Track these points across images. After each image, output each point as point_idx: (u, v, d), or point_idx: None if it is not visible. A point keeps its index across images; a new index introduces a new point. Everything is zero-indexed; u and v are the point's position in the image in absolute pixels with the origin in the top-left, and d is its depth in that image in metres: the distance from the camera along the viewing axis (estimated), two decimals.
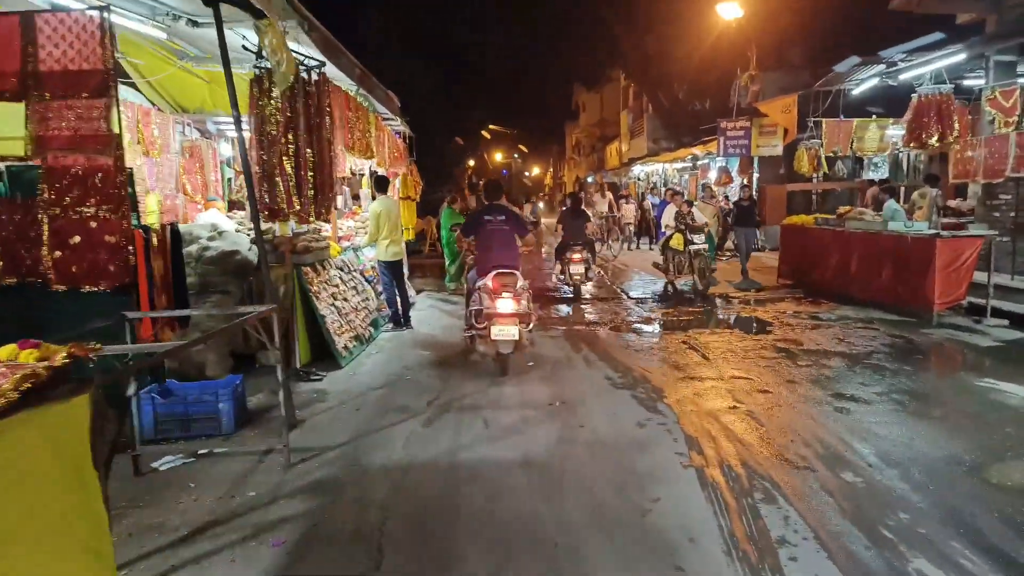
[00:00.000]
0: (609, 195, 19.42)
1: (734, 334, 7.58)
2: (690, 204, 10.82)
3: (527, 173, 71.95)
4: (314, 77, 4.96)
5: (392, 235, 8.02)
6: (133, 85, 8.02)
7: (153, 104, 8.28)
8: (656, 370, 6.13)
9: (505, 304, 5.82)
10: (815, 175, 11.92)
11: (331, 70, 6.32)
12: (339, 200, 12.06)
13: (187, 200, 8.57)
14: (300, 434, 4.60)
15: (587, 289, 10.72)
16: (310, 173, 4.88)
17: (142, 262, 4.73)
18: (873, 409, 4.93)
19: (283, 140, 4.65)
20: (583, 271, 10.19)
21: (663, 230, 10.83)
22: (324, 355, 6.49)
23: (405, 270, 9.92)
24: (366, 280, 8.22)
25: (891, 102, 11.12)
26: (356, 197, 11.88)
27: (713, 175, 19.28)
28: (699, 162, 20.62)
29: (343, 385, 5.82)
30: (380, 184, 8.25)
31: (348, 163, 11.36)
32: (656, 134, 28.72)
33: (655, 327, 8.18)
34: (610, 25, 26.10)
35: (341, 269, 7.43)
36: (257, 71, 4.57)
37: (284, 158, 4.68)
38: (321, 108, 4.99)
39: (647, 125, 30.31)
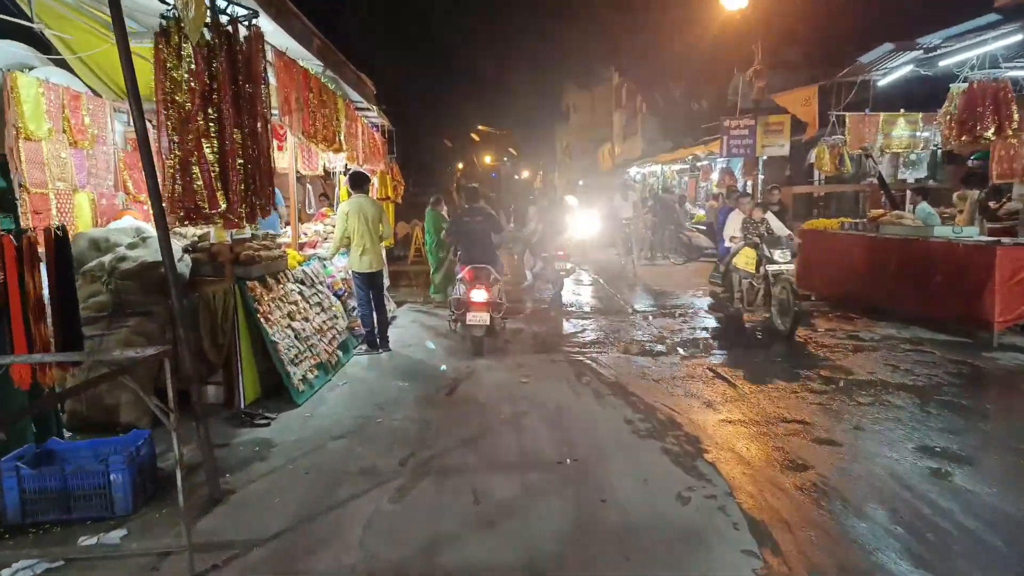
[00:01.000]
0: (632, 195, 17.60)
1: (764, 358, 6.45)
2: (763, 208, 8.15)
3: (516, 176, 70.86)
4: (243, 33, 3.74)
5: (366, 242, 6.73)
6: (64, 64, 6.78)
7: (89, 88, 7.04)
8: (683, 407, 4.97)
9: (478, 294, 6.72)
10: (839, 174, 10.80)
11: (279, 37, 5.12)
12: (305, 201, 10.87)
13: (129, 199, 7.32)
14: (222, 516, 3.38)
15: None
16: (239, 160, 3.66)
17: (14, 277, 3.51)
18: (981, 472, 3.79)
19: (200, 116, 3.43)
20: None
21: (726, 243, 8.34)
22: (277, 388, 5.28)
23: (385, 282, 8.73)
24: (335, 294, 7.00)
25: (914, 97, 10.09)
26: (324, 195, 10.65)
27: (715, 176, 18.20)
28: (700, 163, 19.53)
29: (295, 432, 4.60)
30: (356, 181, 6.98)
31: (321, 159, 10.21)
32: (651, 135, 27.72)
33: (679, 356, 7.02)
34: (605, 22, 25.12)
35: (302, 283, 6.21)
36: (163, 21, 3.36)
37: (203, 140, 3.46)
38: (254, 74, 3.78)
39: (641, 125, 29.33)
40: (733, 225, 8.20)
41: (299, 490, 3.66)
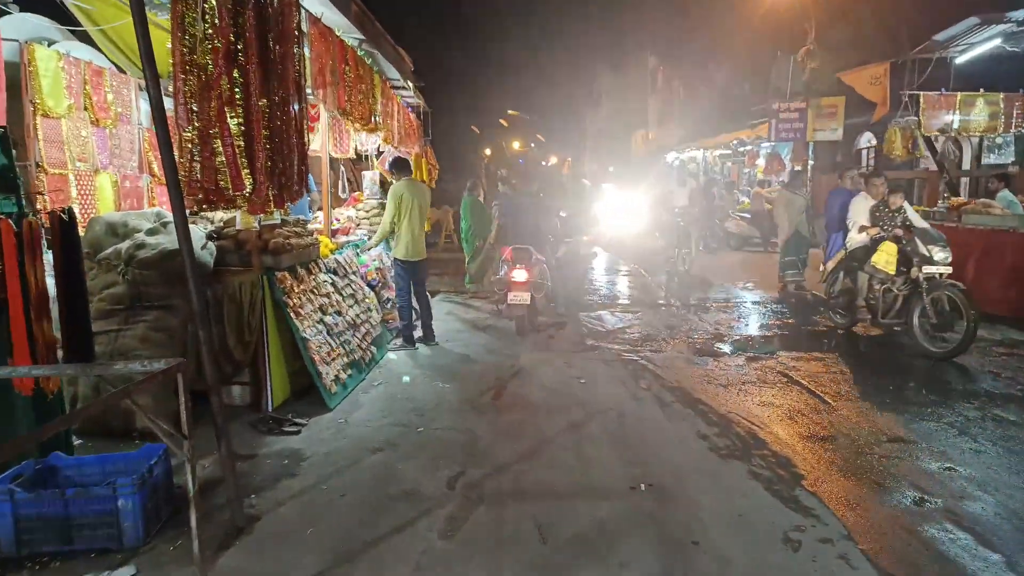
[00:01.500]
0: (692, 181, 16.41)
1: (844, 360, 5.80)
2: (902, 195, 6.50)
3: (543, 163, 69.96)
4: None
5: (415, 228, 6.29)
6: (86, 38, 6.36)
7: (113, 63, 6.62)
8: (762, 419, 4.37)
9: (519, 274, 6.85)
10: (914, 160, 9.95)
11: (313, 1, 4.60)
12: (338, 184, 10.39)
13: (155, 182, 6.91)
14: (246, 550, 2.89)
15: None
16: (265, 133, 3.14)
17: (13, 268, 3.06)
18: None
19: (224, 81, 2.91)
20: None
21: (853, 233, 6.73)
22: (308, 389, 4.80)
23: None
24: (369, 285, 6.51)
25: (999, 76, 9.21)
26: (349, 181, 10.16)
27: (761, 162, 17.33)
28: (745, 148, 18.64)
29: (328, 443, 4.11)
30: (400, 166, 6.43)
31: (353, 140, 9.70)
32: (690, 120, 26.80)
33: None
34: (641, 5, 24.18)
35: (335, 272, 5.72)
36: None
37: (227, 109, 2.95)
38: (286, 32, 3.24)
39: (679, 110, 28.40)
40: (861, 212, 6.63)
41: (335, 517, 3.16)
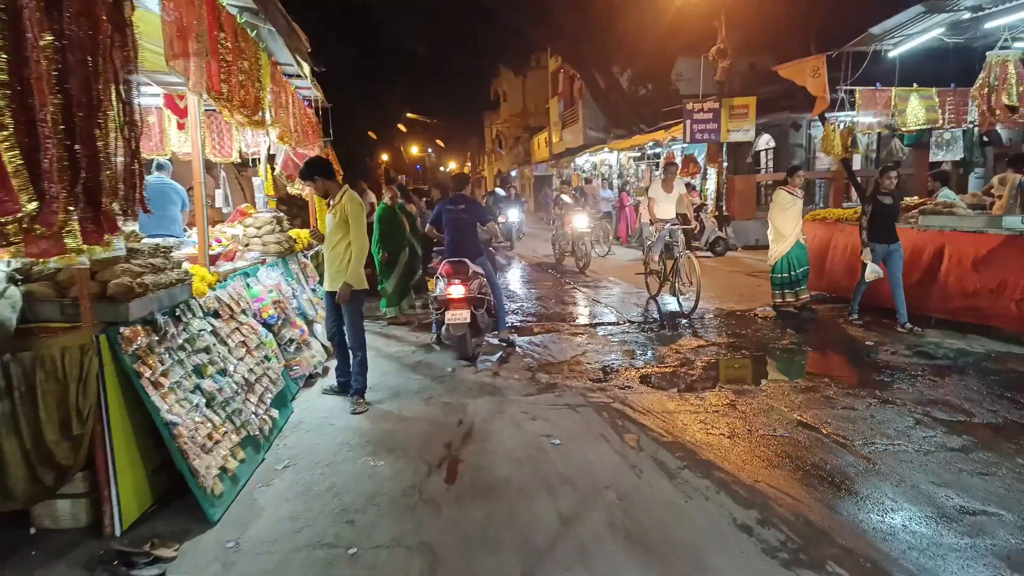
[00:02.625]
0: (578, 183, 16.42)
1: (861, 391, 5.01)
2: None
3: (443, 168, 68.67)
4: None
5: (327, 246, 5.06)
6: None
7: None
8: (804, 492, 3.40)
9: (455, 290, 6.09)
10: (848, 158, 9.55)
11: None
12: (219, 195, 8.67)
13: None
14: None
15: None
16: (57, 126, 1.75)
17: None
18: None
19: None
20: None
21: None
22: (181, 488, 3.33)
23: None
24: (265, 324, 5.03)
25: (946, 72, 8.99)
26: (242, 189, 8.51)
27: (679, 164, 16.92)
28: (658, 150, 18.27)
29: None
30: (321, 170, 4.95)
31: (236, 140, 8.03)
32: (594, 122, 26.42)
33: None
34: (542, 2, 23.50)
35: (216, 315, 4.23)
36: None
37: None
38: None
39: (584, 113, 27.99)
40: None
41: None
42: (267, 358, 4.72)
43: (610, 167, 21.56)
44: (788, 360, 6.15)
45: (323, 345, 6.16)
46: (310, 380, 5.57)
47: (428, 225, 6.90)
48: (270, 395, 4.51)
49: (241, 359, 4.30)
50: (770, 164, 19.31)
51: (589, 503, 3.36)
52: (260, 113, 4.92)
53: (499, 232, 7.20)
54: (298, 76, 6.94)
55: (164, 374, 3.34)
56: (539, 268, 13.37)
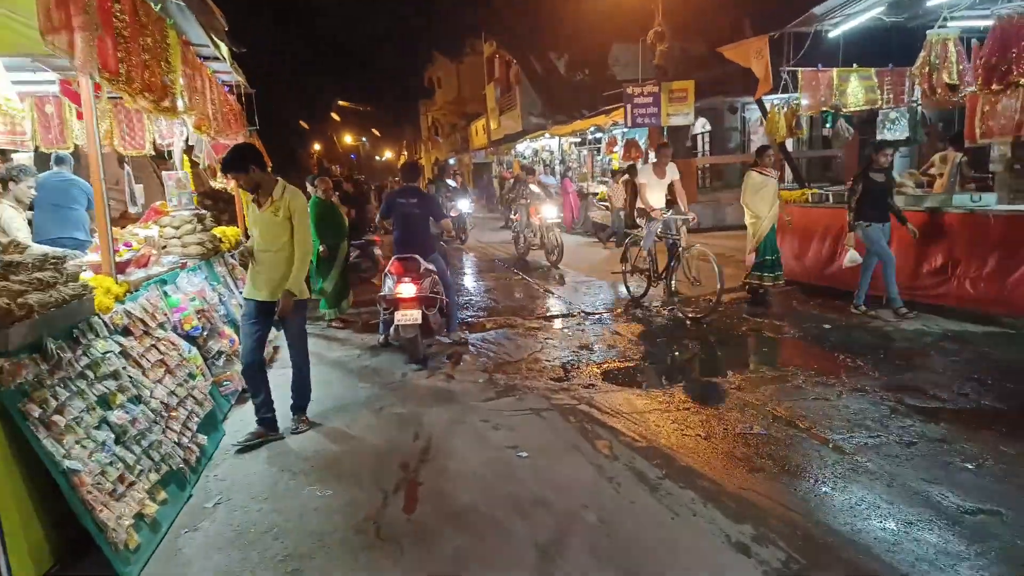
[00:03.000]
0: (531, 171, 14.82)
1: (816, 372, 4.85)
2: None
3: (378, 157, 67.14)
4: None
5: (256, 247, 4.29)
6: None
7: None
8: (801, 502, 3.16)
9: (405, 288, 5.67)
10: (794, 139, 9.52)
11: None
12: (129, 192, 7.87)
13: None
14: None
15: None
16: None
17: None
18: None
19: None
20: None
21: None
22: (88, 542, 2.79)
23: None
24: (188, 337, 4.45)
25: (891, 50, 9.04)
26: (163, 185, 7.74)
27: (619, 150, 16.85)
28: (599, 135, 18.10)
29: None
30: (256, 158, 4.17)
31: (150, 132, 7.25)
32: (532, 108, 26.08)
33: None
34: None
35: (127, 333, 3.66)
36: None
37: None
38: None
39: (521, 98, 27.58)
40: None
41: None
42: (191, 376, 4.17)
43: (551, 153, 21.29)
44: (759, 349, 5.99)
45: None
46: (243, 396, 5.01)
47: (378, 218, 6.42)
48: (196, 419, 3.97)
49: (159, 381, 3.74)
50: (707, 147, 19.54)
51: (567, 528, 3.01)
52: (170, 99, 4.30)
53: (452, 227, 6.74)
54: (216, 59, 6.26)
55: (59, 410, 2.79)
56: (501, 266, 11.92)
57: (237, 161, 4.04)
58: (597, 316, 7.34)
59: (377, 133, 62.75)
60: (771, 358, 5.63)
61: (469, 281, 10.46)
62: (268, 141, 10.23)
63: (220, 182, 7.95)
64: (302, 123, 51.89)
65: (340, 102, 48.58)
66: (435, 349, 6.25)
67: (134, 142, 7.11)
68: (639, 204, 7.52)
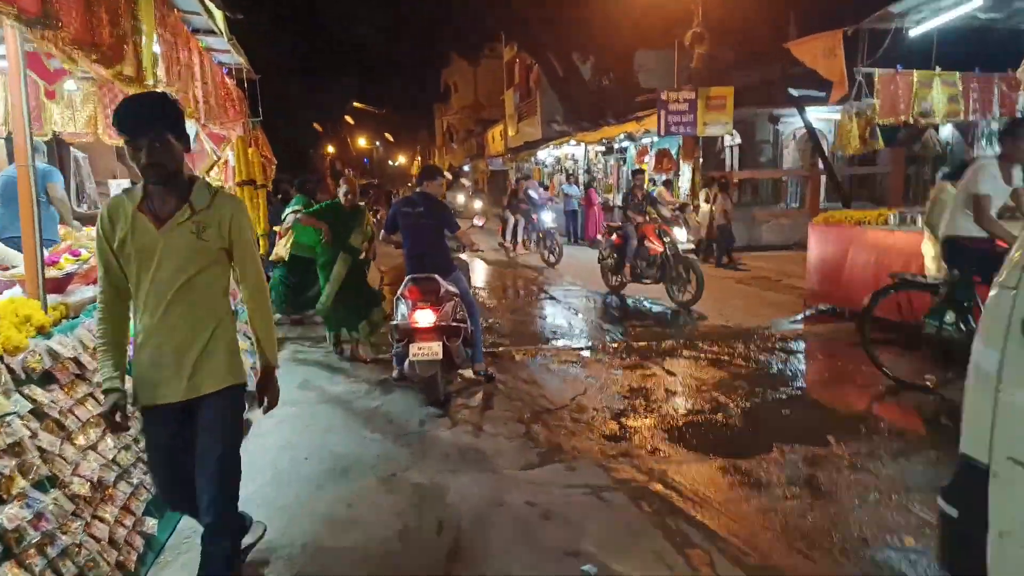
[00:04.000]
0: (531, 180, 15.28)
1: None
2: None
3: (391, 162, 66.49)
4: None
5: (152, 312, 2.28)
6: None
7: None
8: None
9: (423, 316, 4.62)
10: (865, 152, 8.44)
11: None
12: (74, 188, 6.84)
13: None
14: None
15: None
16: None
17: None
18: None
19: None
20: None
21: None
22: None
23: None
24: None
25: (952, 54, 7.99)
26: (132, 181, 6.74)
27: (650, 160, 15.82)
28: (626, 143, 17.08)
29: None
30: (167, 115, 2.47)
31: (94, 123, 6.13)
32: (552, 115, 25.11)
33: None
34: None
35: (46, 381, 2.62)
36: None
37: None
38: None
39: (541, 104, 26.63)
40: None
41: None
42: (138, 437, 3.13)
43: (576, 161, 20.26)
44: (854, 403, 4.90)
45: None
46: None
47: (383, 232, 5.35)
48: (145, 494, 2.93)
49: (92, 447, 2.71)
50: (735, 163, 18.27)
51: None
52: (133, 64, 3.29)
53: (473, 240, 5.63)
54: (211, 32, 5.28)
55: None
56: (528, 283, 11.65)
57: (145, 116, 2.12)
58: (644, 349, 6.27)
59: (391, 138, 62.09)
60: (875, 416, 4.53)
61: (496, 300, 9.42)
62: (276, 138, 9.29)
63: (215, 178, 6.95)
64: (316, 125, 51.21)
65: (355, 104, 47.85)
66: (456, 385, 5.21)
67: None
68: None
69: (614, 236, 8.88)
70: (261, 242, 6.41)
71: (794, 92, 13.91)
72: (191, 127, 5.67)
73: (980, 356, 1.80)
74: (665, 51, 18.68)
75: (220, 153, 5.85)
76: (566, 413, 4.63)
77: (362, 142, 59.43)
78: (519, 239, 14.31)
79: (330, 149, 55.33)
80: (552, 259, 12.53)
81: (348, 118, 54.52)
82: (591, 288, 9.69)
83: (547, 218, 13.04)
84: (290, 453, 3.93)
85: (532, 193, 14.98)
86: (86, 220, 5.54)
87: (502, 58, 32.52)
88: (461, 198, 23.78)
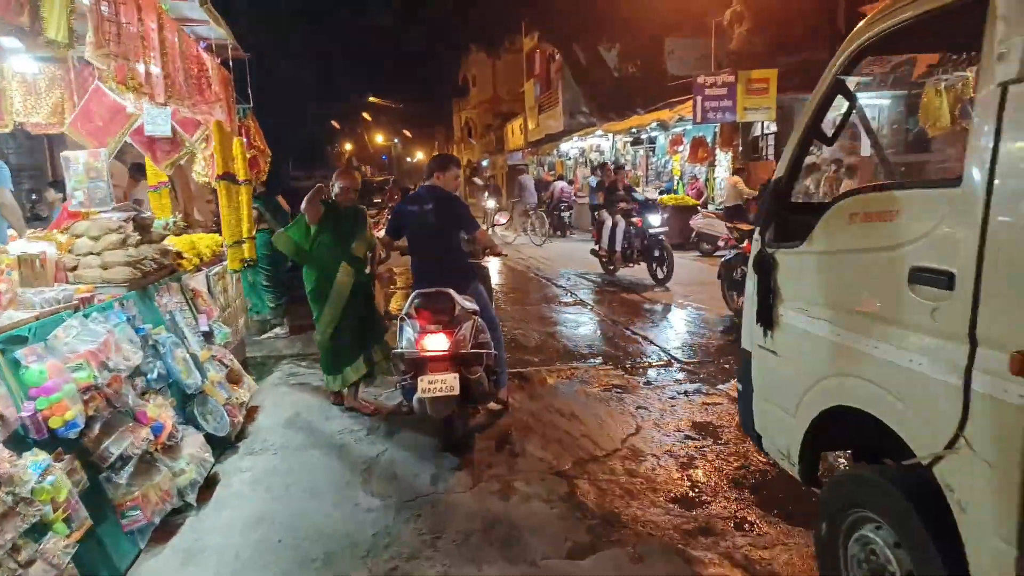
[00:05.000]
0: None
1: None
2: None
3: (409, 159, 65.82)
4: None
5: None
6: None
7: None
8: None
9: (434, 341, 3.66)
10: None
11: None
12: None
13: None
14: None
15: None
16: None
17: None
18: None
19: None
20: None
21: None
22: None
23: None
24: (60, 438, 2.49)
25: None
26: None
27: (684, 149, 14.71)
28: (655, 134, 15.98)
29: None
30: None
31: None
32: (575, 106, 24.02)
33: None
34: None
35: None
36: None
37: None
38: None
39: (563, 95, 25.53)
40: None
41: None
42: (35, 531, 2.20)
43: (601, 153, 19.18)
44: None
45: (209, 435, 3.63)
46: (164, 528, 3.03)
47: (384, 235, 4.38)
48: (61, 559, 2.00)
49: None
50: (770, 151, 17.09)
51: None
52: (29, 13, 2.36)
53: (495, 243, 4.61)
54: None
55: None
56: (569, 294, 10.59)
57: None
58: (699, 372, 5.24)
59: (408, 134, 61.36)
60: None
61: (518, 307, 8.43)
62: (290, 135, 8.40)
63: (201, 173, 6.02)
64: (333, 123, 50.54)
65: (371, 98, 47.11)
66: (476, 417, 4.25)
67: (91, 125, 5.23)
68: None
69: (744, 242, 7.02)
70: (248, 244, 5.48)
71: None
72: (164, 111, 4.76)
73: (748, 285, 2.75)
74: (696, 38, 17.56)
75: (192, 142, 4.93)
76: (618, 462, 3.64)
77: (380, 139, 58.77)
78: (617, 247, 9.54)
79: (348, 147, 54.74)
80: (661, 273, 9.06)
81: (365, 115, 53.84)
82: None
83: (654, 220, 9.32)
84: (261, 531, 2.98)
85: (523, 180, 17.07)
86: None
87: (522, 50, 31.46)
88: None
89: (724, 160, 13.92)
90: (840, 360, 2.13)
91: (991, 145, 1.57)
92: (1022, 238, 1.49)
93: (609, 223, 9.66)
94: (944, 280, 1.68)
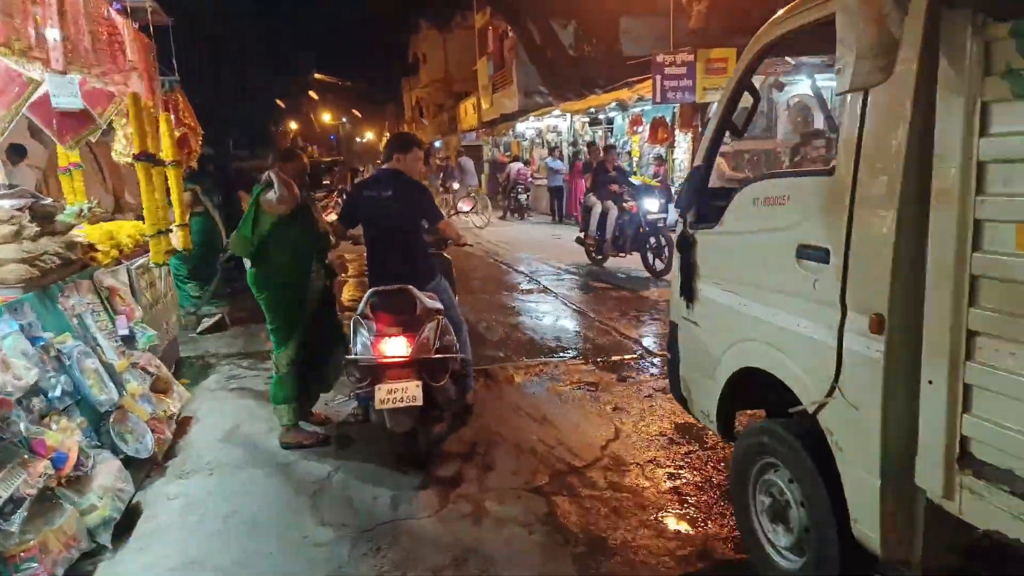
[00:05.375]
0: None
1: None
2: None
3: (358, 139, 64.07)
4: None
5: None
6: None
7: None
8: None
9: (393, 345, 3.24)
10: None
11: None
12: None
13: None
14: None
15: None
16: None
17: None
18: None
19: None
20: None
21: None
22: None
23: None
24: None
25: None
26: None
27: (644, 131, 14.45)
28: (614, 114, 15.69)
29: None
30: None
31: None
32: (529, 85, 23.51)
33: None
34: None
35: None
36: None
37: None
38: None
39: (517, 74, 24.96)
40: None
41: None
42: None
43: (559, 134, 18.78)
44: None
45: (130, 458, 3.11)
46: (80, 572, 2.53)
47: (335, 221, 3.85)
48: None
49: None
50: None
51: None
52: None
53: (460, 233, 4.14)
54: None
55: None
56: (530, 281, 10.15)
57: None
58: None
59: (358, 113, 59.67)
60: None
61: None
62: (233, 114, 7.66)
63: (123, 154, 5.35)
64: (278, 101, 48.57)
65: (317, 75, 45.43)
66: (440, 425, 3.84)
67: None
68: None
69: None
70: (180, 233, 4.88)
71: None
72: (71, 79, 4.10)
73: (674, 263, 3.00)
74: (653, 17, 17.26)
75: (103, 118, 4.30)
76: (599, 474, 3.30)
77: (327, 118, 56.89)
78: (607, 236, 8.64)
79: (293, 126, 52.80)
80: (659, 265, 8.15)
81: (312, 93, 51.99)
82: None
83: (651, 205, 8.44)
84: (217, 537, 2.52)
85: (463, 162, 17.83)
86: None
87: (474, 27, 30.65)
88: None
89: (684, 141, 13.71)
90: (746, 327, 2.43)
91: (855, 141, 1.87)
92: (878, 221, 1.80)
93: (598, 208, 8.75)
94: (822, 255, 1.99)
